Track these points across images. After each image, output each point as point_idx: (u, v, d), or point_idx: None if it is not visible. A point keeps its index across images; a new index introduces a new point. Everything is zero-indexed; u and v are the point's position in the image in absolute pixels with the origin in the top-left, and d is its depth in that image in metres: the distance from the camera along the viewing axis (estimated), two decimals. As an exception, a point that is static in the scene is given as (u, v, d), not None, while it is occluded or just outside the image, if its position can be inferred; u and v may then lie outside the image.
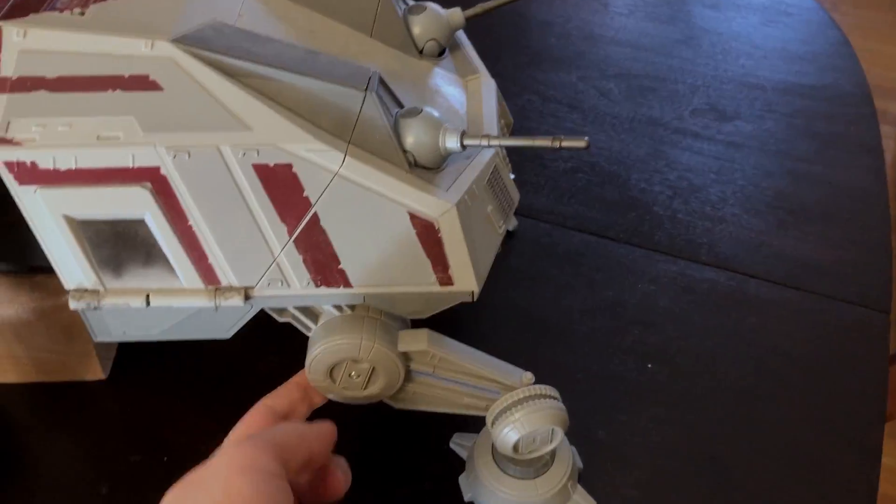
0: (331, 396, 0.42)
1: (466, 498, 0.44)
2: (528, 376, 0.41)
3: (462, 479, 0.45)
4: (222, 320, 0.40)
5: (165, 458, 0.47)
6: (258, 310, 0.40)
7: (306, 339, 0.42)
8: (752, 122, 0.71)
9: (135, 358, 0.52)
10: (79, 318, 0.47)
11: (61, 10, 0.36)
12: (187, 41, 0.35)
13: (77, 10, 0.36)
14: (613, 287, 0.57)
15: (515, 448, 0.40)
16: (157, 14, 0.37)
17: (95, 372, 0.50)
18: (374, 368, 0.40)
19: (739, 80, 0.76)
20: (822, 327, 0.55)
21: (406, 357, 0.40)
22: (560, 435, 0.40)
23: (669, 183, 0.66)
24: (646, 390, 0.51)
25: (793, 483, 0.46)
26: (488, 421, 0.41)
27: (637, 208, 0.63)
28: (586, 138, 0.36)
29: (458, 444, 0.47)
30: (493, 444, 0.43)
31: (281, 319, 0.41)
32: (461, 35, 0.48)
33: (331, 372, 0.40)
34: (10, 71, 0.34)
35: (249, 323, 0.41)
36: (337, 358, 0.39)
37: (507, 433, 0.40)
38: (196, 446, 0.48)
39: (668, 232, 0.61)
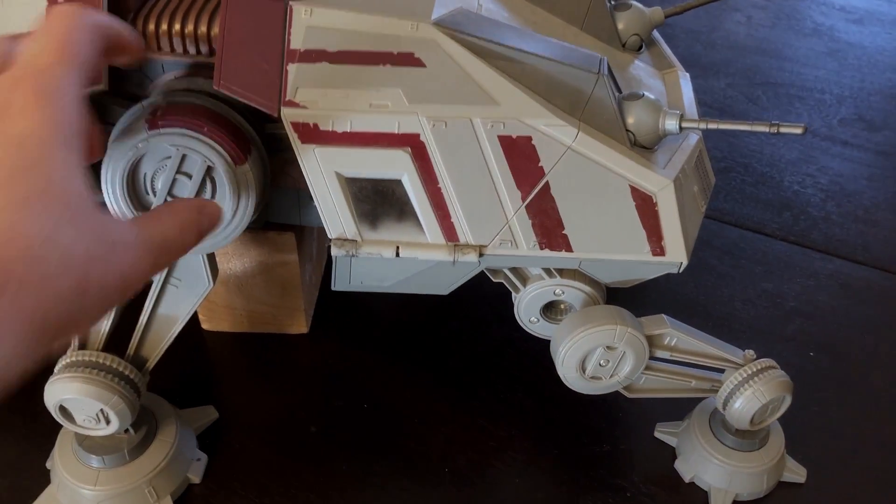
0: (574, 388, 0.45)
1: (687, 479, 0.48)
2: (751, 352, 0.44)
3: (679, 464, 0.48)
4: (446, 278, 0.44)
5: (365, 406, 0.52)
6: (479, 270, 0.44)
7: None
8: (901, 132, 0.73)
9: (328, 316, 0.57)
10: (295, 275, 0.52)
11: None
12: (446, 24, 0.40)
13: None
14: (773, 280, 0.60)
15: (752, 420, 0.43)
16: (414, -1, 0.41)
17: (300, 326, 0.55)
18: (623, 354, 0.43)
19: (886, 93, 0.78)
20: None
21: (649, 342, 0.43)
22: (788, 401, 0.44)
23: (822, 186, 0.68)
24: (809, 375, 0.54)
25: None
26: (720, 398, 0.44)
27: (791, 208, 0.66)
28: (803, 124, 0.39)
29: (664, 431, 0.50)
30: (709, 423, 0.47)
31: (495, 279, 0.45)
32: (655, 32, 0.52)
33: (582, 362, 0.43)
34: (298, 44, 0.39)
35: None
36: (593, 345, 0.42)
37: (748, 404, 0.43)
38: (391, 396, 0.52)
39: (822, 232, 0.64)
